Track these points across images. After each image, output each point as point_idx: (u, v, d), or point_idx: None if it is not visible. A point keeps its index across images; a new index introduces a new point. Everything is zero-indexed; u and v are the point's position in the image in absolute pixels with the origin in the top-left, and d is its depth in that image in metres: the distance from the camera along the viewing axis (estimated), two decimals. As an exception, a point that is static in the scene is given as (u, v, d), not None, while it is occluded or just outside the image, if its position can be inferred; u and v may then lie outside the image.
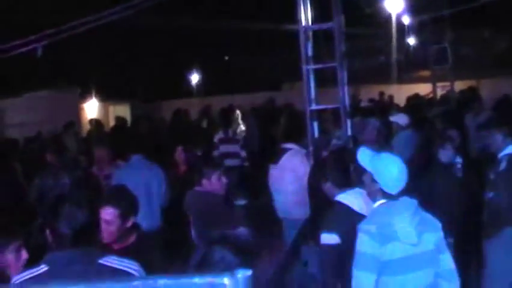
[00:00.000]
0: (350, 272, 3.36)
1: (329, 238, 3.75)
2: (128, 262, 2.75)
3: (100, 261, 2.70)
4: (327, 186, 4.17)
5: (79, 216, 2.74)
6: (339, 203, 3.90)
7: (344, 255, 3.54)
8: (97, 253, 2.75)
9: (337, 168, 4.22)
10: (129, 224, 3.69)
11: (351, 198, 3.87)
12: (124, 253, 3.36)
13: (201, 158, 6.75)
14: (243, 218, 4.64)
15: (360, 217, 3.62)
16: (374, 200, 3.43)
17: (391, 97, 15.54)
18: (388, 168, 3.36)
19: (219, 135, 9.43)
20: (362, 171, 3.47)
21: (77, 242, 2.72)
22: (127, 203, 3.71)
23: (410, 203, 3.34)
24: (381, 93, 16.06)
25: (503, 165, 5.19)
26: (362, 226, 3.29)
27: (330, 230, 3.76)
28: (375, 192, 3.39)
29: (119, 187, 4.15)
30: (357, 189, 3.89)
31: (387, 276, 3.25)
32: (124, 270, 2.68)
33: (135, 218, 3.75)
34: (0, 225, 3.51)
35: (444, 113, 9.14)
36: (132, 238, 3.75)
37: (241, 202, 4.84)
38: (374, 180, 3.37)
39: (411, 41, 22.80)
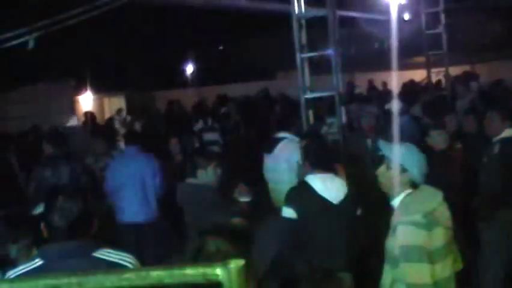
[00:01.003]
0: (304, 244, 3.87)
1: (287, 212, 4.14)
2: (124, 255, 2.73)
3: (95, 254, 2.68)
4: (305, 169, 4.39)
5: (73, 209, 2.72)
6: (304, 182, 4.22)
7: (298, 229, 4.03)
8: (92, 246, 2.73)
9: (313, 151, 4.32)
10: None
11: (317, 181, 4.17)
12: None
13: (196, 150, 6.73)
14: (240, 211, 4.64)
15: (318, 199, 4.07)
16: (393, 191, 3.34)
17: (385, 83, 15.53)
18: (418, 158, 3.35)
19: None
20: (387, 163, 3.39)
21: (71, 235, 2.70)
22: None
23: (435, 189, 3.34)
24: (370, 81, 16.06)
25: (496, 149, 5.21)
26: (403, 218, 3.19)
27: (288, 205, 4.16)
28: (401, 183, 3.30)
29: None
30: (328, 175, 4.22)
31: (434, 264, 3.17)
32: (119, 263, 2.66)
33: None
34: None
35: (436, 99, 9.16)
36: None
37: (245, 199, 4.83)
38: (403, 171, 3.29)
39: (406, 27, 22.76)
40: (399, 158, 3.33)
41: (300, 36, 7.33)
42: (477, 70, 16.57)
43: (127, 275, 1.32)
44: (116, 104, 20.12)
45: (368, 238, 5.22)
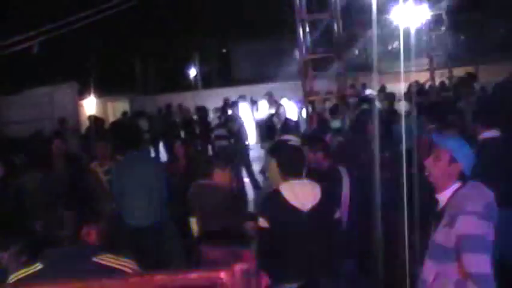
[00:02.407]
0: (278, 253, 3.97)
1: (260, 221, 4.19)
2: (124, 260, 2.73)
3: (95, 259, 2.68)
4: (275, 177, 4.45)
5: (72, 218, 2.73)
6: (277, 191, 4.25)
7: (273, 238, 4.09)
8: (92, 251, 2.73)
9: (284, 159, 4.38)
10: None
11: (287, 189, 4.20)
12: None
13: (215, 152, 6.77)
14: (252, 215, 4.67)
15: (288, 207, 4.10)
16: (442, 182, 3.35)
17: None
18: (468, 151, 3.39)
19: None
20: (436, 155, 3.39)
21: (72, 242, 2.71)
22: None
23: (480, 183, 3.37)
24: (363, 84, 16.01)
25: (488, 148, 5.25)
26: (464, 209, 3.19)
27: (260, 214, 4.22)
28: (451, 174, 3.32)
29: None
30: (300, 182, 4.23)
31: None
32: (118, 269, 2.66)
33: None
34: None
35: (441, 101, 9.15)
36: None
37: None
38: (453, 161, 3.32)
39: (410, 29, 22.71)
40: (454, 148, 3.35)
41: (303, 39, 7.34)
42: (480, 71, 16.53)
43: (133, 280, 1.32)
44: (120, 108, 20.15)
45: (366, 241, 5.24)
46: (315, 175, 4.79)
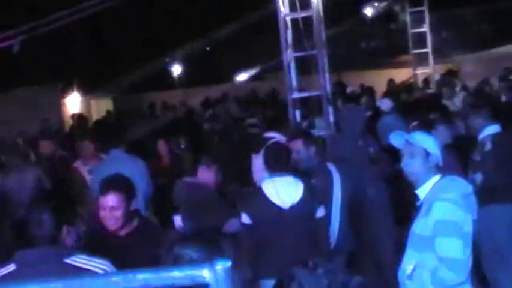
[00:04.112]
0: (260, 249, 4.04)
1: (244, 218, 4.29)
2: (98, 261, 2.71)
3: (67, 260, 2.66)
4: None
5: (49, 219, 2.73)
6: (259, 188, 4.33)
7: (255, 234, 4.18)
8: (66, 252, 2.72)
9: (269, 155, 4.36)
10: (133, 207, 3.80)
11: (269, 186, 4.26)
12: (132, 237, 3.70)
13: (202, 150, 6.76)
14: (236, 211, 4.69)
15: (269, 204, 4.17)
16: (421, 178, 3.40)
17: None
18: (434, 140, 3.47)
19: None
20: (408, 153, 3.45)
21: (47, 242, 2.70)
22: (127, 186, 3.82)
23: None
24: (336, 82, 15.99)
25: (488, 146, 5.28)
26: (441, 196, 3.26)
27: (242, 211, 4.32)
28: (428, 167, 3.38)
29: (115, 174, 4.27)
30: (283, 179, 4.26)
31: None
32: (90, 270, 2.65)
33: (136, 202, 3.88)
34: None
35: (423, 98, 9.23)
36: (136, 222, 3.84)
37: None
38: (427, 155, 3.38)
39: (392, 26, 22.87)
40: (420, 143, 3.40)
41: (286, 37, 7.36)
42: (462, 66, 16.66)
43: (115, 278, 1.33)
44: (103, 106, 20.03)
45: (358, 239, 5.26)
46: (303, 172, 4.83)
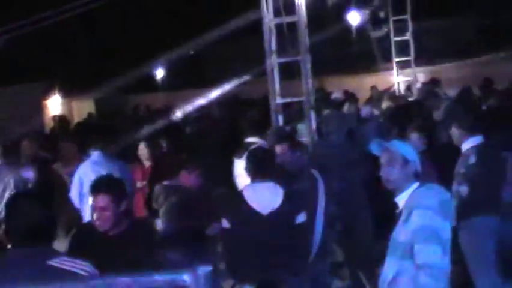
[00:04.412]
0: (238, 254, 4.06)
1: (224, 222, 4.31)
2: (80, 263, 2.70)
3: (50, 262, 2.64)
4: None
5: (34, 214, 2.71)
6: (240, 193, 4.36)
7: (234, 239, 4.21)
8: (48, 254, 2.70)
9: (252, 161, 4.45)
10: (122, 208, 3.82)
11: (249, 191, 4.30)
12: (121, 238, 3.71)
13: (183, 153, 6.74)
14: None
15: (248, 209, 4.18)
16: (401, 185, 3.43)
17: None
18: (412, 148, 3.53)
19: None
20: (387, 160, 3.48)
21: (31, 241, 2.68)
22: (118, 188, 3.87)
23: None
24: (319, 89, 16.07)
25: (472, 159, 5.30)
26: (420, 203, 3.29)
27: (221, 215, 4.34)
28: (407, 175, 3.41)
29: (106, 175, 4.40)
30: (265, 184, 4.29)
31: None
32: (74, 272, 2.63)
33: (126, 203, 3.90)
34: None
35: (406, 106, 9.29)
36: (126, 223, 3.87)
37: None
38: (406, 162, 3.40)
39: (375, 33, 23.00)
40: (399, 151, 3.43)
41: (270, 42, 7.38)
42: (443, 73, 16.79)
43: (95, 282, 1.33)
44: (85, 108, 19.89)
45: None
46: (286, 177, 4.84)
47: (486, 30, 22.93)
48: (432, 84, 12.07)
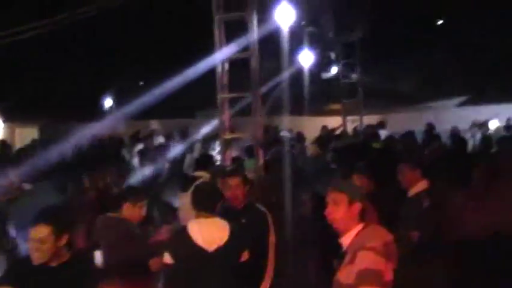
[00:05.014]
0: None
1: (166, 257, 4.24)
2: None
3: None
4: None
5: None
6: (184, 228, 4.30)
7: (177, 275, 4.15)
8: None
9: (198, 196, 4.42)
10: (63, 241, 3.67)
11: (194, 227, 4.25)
12: (60, 269, 3.60)
13: (129, 186, 6.59)
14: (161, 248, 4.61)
15: (193, 245, 4.14)
16: (346, 226, 3.44)
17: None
18: (357, 188, 3.57)
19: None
20: (332, 201, 3.48)
21: None
22: (58, 219, 3.70)
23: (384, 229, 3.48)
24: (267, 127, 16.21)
25: (425, 202, 5.37)
26: (364, 245, 3.30)
27: (166, 250, 4.26)
28: (353, 215, 3.43)
29: (49, 206, 4.18)
30: (210, 220, 4.27)
31: None
32: None
33: (69, 235, 3.74)
34: None
35: (352, 145, 9.44)
36: (68, 254, 3.73)
37: None
38: (351, 204, 3.42)
39: (325, 74, 23.47)
40: (344, 191, 3.46)
41: (222, 77, 7.41)
42: (390, 119, 17.23)
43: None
44: (28, 134, 19.40)
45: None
46: (234, 212, 4.81)
47: (428, 76, 23.72)
48: (378, 126, 12.35)
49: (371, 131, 11.80)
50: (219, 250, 4.20)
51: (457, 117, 15.63)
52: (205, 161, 7.19)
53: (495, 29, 20.45)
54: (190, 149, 11.51)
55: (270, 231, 4.96)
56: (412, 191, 5.48)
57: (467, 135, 12.35)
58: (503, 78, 19.97)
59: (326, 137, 12.20)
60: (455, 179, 5.95)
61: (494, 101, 18.17)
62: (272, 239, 4.96)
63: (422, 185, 5.46)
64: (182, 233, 4.30)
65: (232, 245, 4.26)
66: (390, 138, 10.97)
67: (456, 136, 11.08)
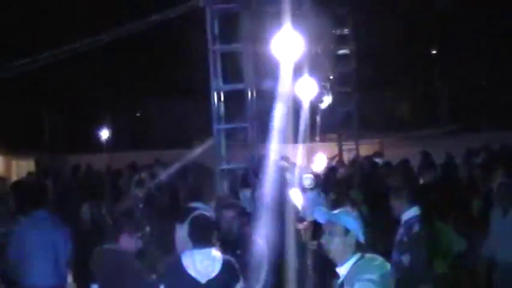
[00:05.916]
0: None
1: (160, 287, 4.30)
2: None
3: None
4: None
5: None
6: (178, 259, 4.35)
7: None
8: None
9: (194, 228, 4.49)
10: None
11: (188, 258, 4.30)
12: None
13: (124, 216, 6.57)
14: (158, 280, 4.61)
15: (186, 277, 4.20)
16: (342, 256, 3.45)
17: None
18: (355, 218, 3.53)
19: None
20: (329, 230, 3.49)
21: None
22: None
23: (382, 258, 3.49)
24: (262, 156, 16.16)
25: (416, 227, 5.40)
26: (361, 276, 3.32)
27: (159, 281, 4.35)
28: (348, 245, 3.43)
29: None
30: (204, 251, 4.30)
31: None
32: None
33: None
34: None
35: (349, 176, 9.46)
36: None
37: None
38: (347, 233, 3.42)
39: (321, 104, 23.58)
40: (340, 221, 3.46)
41: (218, 108, 7.47)
42: (385, 148, 17.28)
43: None
44: (24, 167, 19.39)
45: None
46: (229, 244, 4.83)
47: (423, 104, 23.88)
48: (375, 156, 12.38)
49: (368, 161, 11.84)
50: (211, 281, 4.25)
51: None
52: (201, 191, 7.18)
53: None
54: (184, 179, 11.48)
55: (266, 263, 4.97)
56: (404, 217, 5.52)
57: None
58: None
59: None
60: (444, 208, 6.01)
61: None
62: (267, 272, 4.96)
63: (411, 212, 5.52)
64: (176, 264, 4.34)
65: (224, 277, 4.31)
66: (387, 164, 11.00)
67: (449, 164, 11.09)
